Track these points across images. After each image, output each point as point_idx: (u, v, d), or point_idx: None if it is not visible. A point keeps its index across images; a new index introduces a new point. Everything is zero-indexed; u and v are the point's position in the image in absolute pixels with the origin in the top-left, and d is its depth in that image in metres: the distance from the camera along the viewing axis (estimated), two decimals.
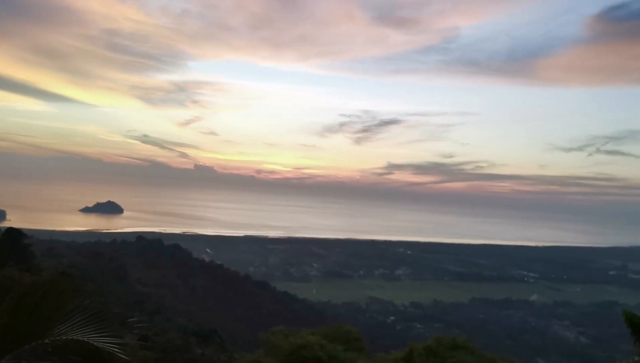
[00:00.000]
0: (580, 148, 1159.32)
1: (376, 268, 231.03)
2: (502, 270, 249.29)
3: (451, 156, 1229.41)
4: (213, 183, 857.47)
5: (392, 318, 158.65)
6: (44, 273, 34.10)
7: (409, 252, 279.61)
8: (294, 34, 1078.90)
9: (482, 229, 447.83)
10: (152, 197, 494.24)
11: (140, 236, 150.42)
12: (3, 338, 8.25)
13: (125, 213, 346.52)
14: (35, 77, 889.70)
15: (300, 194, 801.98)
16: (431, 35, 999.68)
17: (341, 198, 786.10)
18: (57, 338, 8.52)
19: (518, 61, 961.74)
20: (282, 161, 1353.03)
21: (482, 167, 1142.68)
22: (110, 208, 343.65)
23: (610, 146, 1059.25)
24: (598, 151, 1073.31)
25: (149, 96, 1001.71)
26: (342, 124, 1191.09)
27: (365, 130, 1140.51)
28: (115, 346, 8.96)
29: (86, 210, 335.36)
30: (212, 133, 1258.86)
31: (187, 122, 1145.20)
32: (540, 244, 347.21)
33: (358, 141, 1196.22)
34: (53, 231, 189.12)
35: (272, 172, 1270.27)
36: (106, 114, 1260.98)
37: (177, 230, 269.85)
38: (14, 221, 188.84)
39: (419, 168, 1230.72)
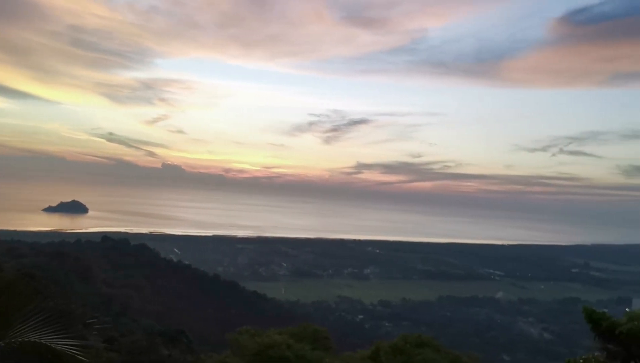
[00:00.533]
0: (544, 149, 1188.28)
1: (345, 267, 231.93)
2: (470, 268, 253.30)
3: (419, 156, 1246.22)
4: (181, 182, 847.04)
5: (361, 317, 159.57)
6: (3, 273, 33.20)
7: (378, 251, 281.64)
8: (264, 33, 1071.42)
9: (449, 228, 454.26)
10: (119, 196, 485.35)
11: (105, 236, 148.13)
12: None
13: (91, 212, 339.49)
14: None
15: (270, 193, 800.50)
16: (399, 36, 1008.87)
17: (310, 197, 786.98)
18: (14, 340, 8.28)
19: (484, 62, 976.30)
20: (251, 160, 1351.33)
21: (449, 167, 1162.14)
22: (75, 208, 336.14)
23: (572, 147, 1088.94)
24: (561, 151, 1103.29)
25: (115, 94, 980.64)
26: (311, 124, 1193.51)
27: (334, 130, 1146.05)
28: (77, 348, 8.76)
29: (50, 210, 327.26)
30: (180, 132, 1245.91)
31: (154, 121, 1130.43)
32: (506, 243, 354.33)
33: (327, 140, 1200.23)
34: (15, 232, 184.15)
35: (241, 171, 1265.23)
36: (71, 111, 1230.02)
37: (144, 230, 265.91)
38: None
39: (388, 168, 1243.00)
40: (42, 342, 8.44)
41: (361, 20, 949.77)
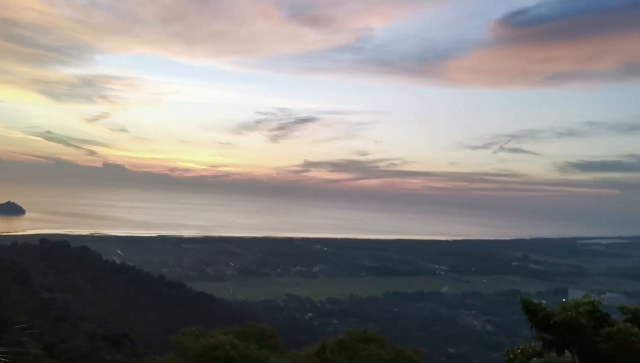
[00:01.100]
0: (485, 146, 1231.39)
1: (293, 265, 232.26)
2: (415, 264, 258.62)
3: (366, 154, 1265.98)
4: (124, 182, 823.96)
5: (310, 314, 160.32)
6: None
7: (325, 249, 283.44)
8: (208, 30, 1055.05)
9: (396, 225, 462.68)
10: (57, 197, 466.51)
11: (44, 239, 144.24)
12: None
13: (27, 214, 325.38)
14: None
15: (216, 192, 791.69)
16: (345, 34, 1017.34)
17: (258, 196, 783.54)
18: None
19: (428, 61, 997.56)
20: (197, 158, 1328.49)
21: (395, 164, 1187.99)
22: (10, 209, 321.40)
23: (512, 144, 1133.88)
24: (502, 148, 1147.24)
25: (53, 91, 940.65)
26: (258, 122, 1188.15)
27: (281, 128, 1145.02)
28: (13, 356, 8.41)
29: None
30: (123, 130, 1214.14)
31: (95, 119, 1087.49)
32: (450, 238, 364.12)
33: (274, 138, 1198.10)
34: None
35: (187, 170, 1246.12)
36: (4, 109, 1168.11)
37: (85, 231, 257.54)
38: None
39: (335, 166, 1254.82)
40: None
41: (307, 18, 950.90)
